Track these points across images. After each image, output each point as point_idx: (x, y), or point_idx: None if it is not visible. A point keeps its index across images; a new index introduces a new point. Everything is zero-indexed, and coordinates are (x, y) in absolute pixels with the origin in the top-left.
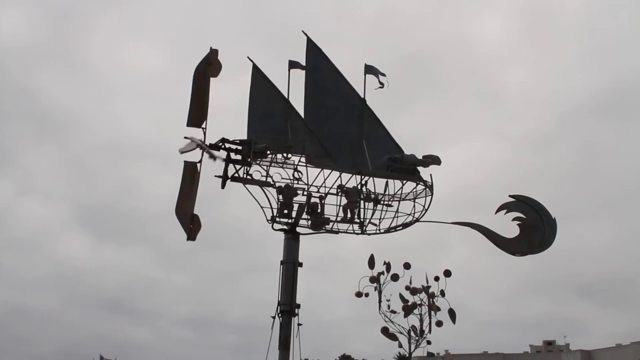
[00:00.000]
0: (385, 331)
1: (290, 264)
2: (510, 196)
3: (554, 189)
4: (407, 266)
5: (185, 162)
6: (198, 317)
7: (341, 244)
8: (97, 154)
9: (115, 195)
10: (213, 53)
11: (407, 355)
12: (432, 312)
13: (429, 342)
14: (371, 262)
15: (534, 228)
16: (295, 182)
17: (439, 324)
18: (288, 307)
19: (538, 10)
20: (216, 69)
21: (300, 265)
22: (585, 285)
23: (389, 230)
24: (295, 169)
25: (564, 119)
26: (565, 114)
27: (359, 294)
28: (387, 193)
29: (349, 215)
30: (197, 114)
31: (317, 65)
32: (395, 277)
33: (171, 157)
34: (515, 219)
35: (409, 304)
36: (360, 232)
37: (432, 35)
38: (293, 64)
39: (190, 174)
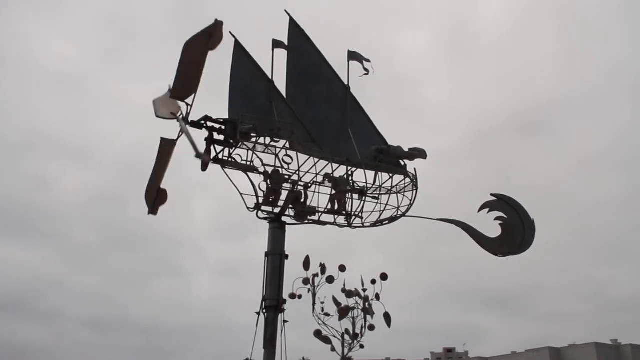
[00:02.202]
0: (318, 334)
1: (277, 256)
2: (491, 195)
3: (469, 203)
4: (342, 268)
5: (162, 138)
6: (102, 319)
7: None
8: (5, 149)
9: (22, 191)
10: (218, 25)
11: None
12: (367, 316)
13: (362, 346)
14: (306, 264)
15: (514, 229)
16: (286, 167)
17: (371, 327)
18: (275, 302)
19: (460, 31)
20: (216, 41)
21: (287, 257)
22: (488, 296)
23: (375, 224)
24: (286, 154)
25: (482, 135)
26: (482, 131)
27: (292, 296)
28: (376, 185)
29: (336, 206)
30: (185, 87)
31: (300, 47)
32: (330, 280)
33: (84, 154)
34: (497, 218)
35: (343, 306)
36: (346, 224)
37: (356, 48)
38: (277, 44)
39: (167, 151)
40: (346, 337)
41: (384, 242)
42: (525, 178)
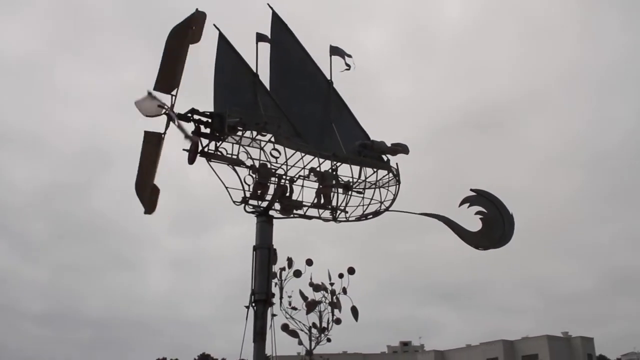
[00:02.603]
0: (285, 328)
1: (265, 249)
2: (471, 190)
3: (426, 199)
4: (309, 262)
5: (146, 132)
6: (54, 312)
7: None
8: None
9: None
10: (200, 16)
11: (309, 351)
12: (334, 310)
13: (329, 340)
14: (273, 258)
15: (494, 223)
16: (274, 161)
17: (338, 321)
18: (264, 296)
19: (420, 30)
20: (197, 34)
21: (275, 251)
22: (443, 290)
23: (359, 218)
24: (274, 148)
25: (440, 132)
26: (440, 128)
27: None
28: (361, 179)
29: (322, 200)
30: (169, 79)
31: (282, 41)
32: (297, 274)
33: (37, 143)
34: (477, 212)
35: (311, 300)
36: (331, 218)
37: (315, 43)
38: (261, 37)
39: (154, 145)
40: (313, 330)
41: (341, 237)
42: (481, 175)
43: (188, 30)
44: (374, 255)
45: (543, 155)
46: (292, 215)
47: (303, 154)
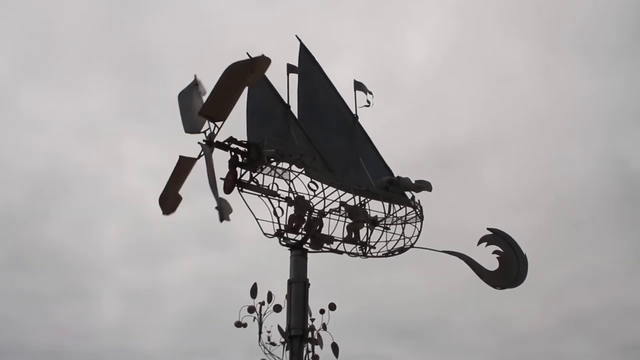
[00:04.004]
0: None
1: (301, 284)
2: (487, 229)
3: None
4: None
5: (181, 156)
6: None
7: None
8: None
9: None
10: (264, 61)
11: None
12: (314, 346)
13: None
14: (253, 291)
15: (510, 262)
16: (312, 194)
17: (315, 358)
18: (300, 332)
19: (384, 70)
20: (257, 78)
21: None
22: (398, 328)
23: (387, 254)
24: (311, 181)
25: (404, 171)
26: (404, 167)
27: (238, 324)
28: (391, 215)
29: (353, 235)
30: (217, 109)
31: (309, 73)
32: (277, 308)
33: None
34: (494, 252)
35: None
36: (361, 254)
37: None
38: (291, 68)
39: (185, 169)
40: None
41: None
42: (443, 213)
43: (248, 71)
44: (334, 290)
45: (503, 198)
46: (322, 250)
47: (335, 188)
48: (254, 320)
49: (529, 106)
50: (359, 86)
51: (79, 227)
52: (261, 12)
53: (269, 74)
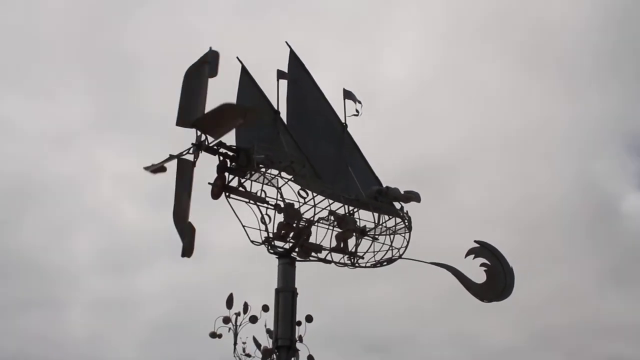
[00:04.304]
0: None
1: (289, 293)
2: (475, 241)
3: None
4: (265, 309)
5: (180, 159)
6: None
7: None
8: None
9: None
10: (213, 54)
11: None
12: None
13: None
14: (229, 302)
15: (497, 275)
16: (302, 202)
17: None
18: (287, 342)
19: (362, 85)
20: (214, 69)
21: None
22: (367, 342)
23: (375, 264)
24: (302, 188)
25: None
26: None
27: (213, 335)
28: (380, 225)
29: (341, 244)
30: (190, 114)
31: (299, 79)
32: (253, 319)
33: None
34: (482, 265)
35: (267, 348)
36: (349, 264)
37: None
38: (281, 74)
39: (186, 172)
40: None
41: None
42: (418, 229)
43: (203, 66)
44: (313, 301)
45: (478, 216)
46: (309, 259)
47: (324, 197)
48: (229, 331)
49: (506, 126)
50: (348, 95)
51: (52, 235)
52: (242, 25)
53: (258, 79)
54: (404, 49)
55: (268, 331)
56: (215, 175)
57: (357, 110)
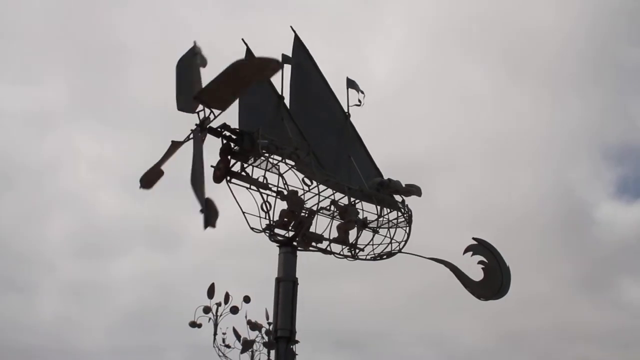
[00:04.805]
0: None
1: (290, 283)
2: (473, 239)
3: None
4: (246, 300)
5: (173, 141)
6: None
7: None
8: None
9: None
10: (274, 64)
11: None
12: (270, 351)
13: None
14: (210, 292)
15: (494, 273)
16: (307, 190)
17: None
18: (287, 333)
19: (345, 76)
20: (202, 59)
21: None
22: (340, 338)
23: (375, 257)
24: (306, 176)
25: None
26: None
27: (192, 324)
28: (382, 217)
29: (344, 235)
30: (218, 97)
31: (302, 66)
32: (234, 310)
33: None
34: (479, 262)
35: (248, 339)
36: (350, 255)
37: None
38: (286, 59)
39: (171, 150)
40: None
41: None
42: None
43: (194, 57)
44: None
45: (455, 218)
46: (310, 249)
47: (327, 187)
48: (209, 321)
49: (486, 130)
50: (351, 84)
51: (26, 218)
52: (227, 21)
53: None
54: (387, 49)
55: (249, 322)
56: (218, 159)
57: (359, 100)
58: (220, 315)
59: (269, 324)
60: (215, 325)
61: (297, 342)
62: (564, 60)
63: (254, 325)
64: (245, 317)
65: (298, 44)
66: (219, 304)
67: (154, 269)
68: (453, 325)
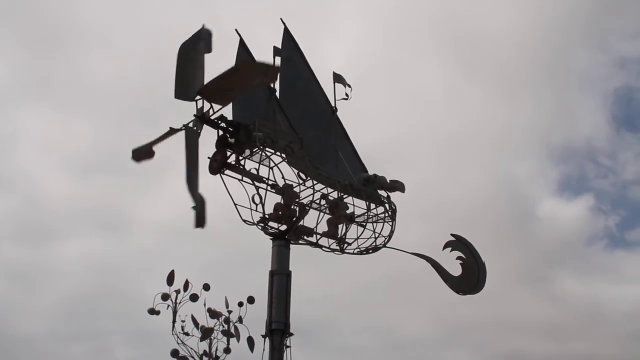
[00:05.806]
0: (175, 354)
1: (283, 276)
2: (451, 235)
3: None
4: (206, 287)
5: (187, 128)
6: None
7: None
8: None
9: None
10: (206, 32)
11: None
12: (230, 339)
13: None
14: (170, 278)
15: (471, 268)
16: (302, 183)
17: (227, 350)
18: (282, 326)
19: None
20: (208, 45)
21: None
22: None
23: (362, 252)
24: (301, 170)
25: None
26: None
27: (151, 311)
28: (369, 212)
29: (334, 229)
30: (189, 86)
31: (291, 59)
32: (194, 298)
33: None
34: (458, 258)
35: (207, 327)
36: (338, 249)
37: None
38: (277, 51)
39: (193, 142)
40: (205, 358)
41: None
42: None
43: (198, 42)
44: (223, 285)
45: (403, 212)
46: (300, 242)
47: (317, 182)
48: (167, 308)
49: (437, 126)
50: (338, 78)
51: None
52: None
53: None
54: (342, 40)
55: (209, 310)
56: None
57: (346, 94)
58: (180, 303)
59: (229, 311)
60: (174, 312)
61: (291, 334)
62: (519, 60)
63: (214, 314)
64: (204, 305)
65: (287, 37)
66: (177, 291)
67: (99, 254)
68: (397, 316)
